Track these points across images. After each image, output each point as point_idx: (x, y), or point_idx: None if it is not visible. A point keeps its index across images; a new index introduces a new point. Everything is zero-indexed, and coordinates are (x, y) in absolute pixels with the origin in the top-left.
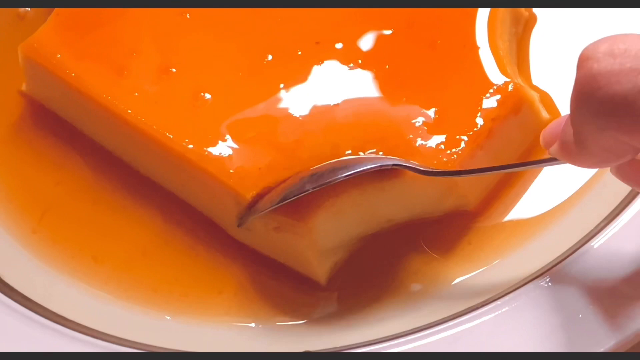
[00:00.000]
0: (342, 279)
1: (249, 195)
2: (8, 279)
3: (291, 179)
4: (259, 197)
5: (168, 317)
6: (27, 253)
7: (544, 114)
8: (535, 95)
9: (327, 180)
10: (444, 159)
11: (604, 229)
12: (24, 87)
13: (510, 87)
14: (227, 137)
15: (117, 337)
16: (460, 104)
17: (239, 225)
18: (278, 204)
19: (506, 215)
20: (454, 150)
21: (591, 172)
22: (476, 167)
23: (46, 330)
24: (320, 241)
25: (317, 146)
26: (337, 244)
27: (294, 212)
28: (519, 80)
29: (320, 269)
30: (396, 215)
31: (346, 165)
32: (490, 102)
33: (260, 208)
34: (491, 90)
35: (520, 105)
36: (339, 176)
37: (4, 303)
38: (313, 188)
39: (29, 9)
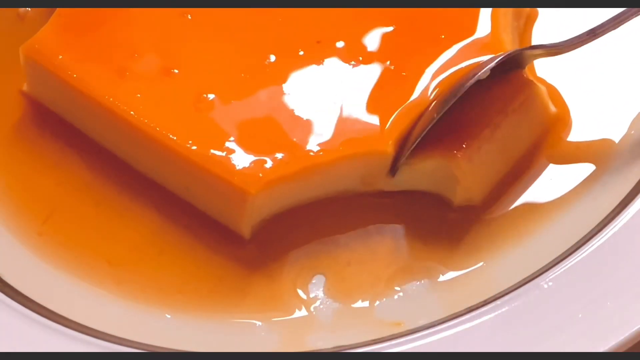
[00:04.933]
0: (344, 285)
1: (255, 193)
2: (8, 279)
3: (420, 118)
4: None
5: (168, 316)
6: (33, 255)
7: (551, 108)
8: (543, 89)
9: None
10: (450, 152)
11: (604, 229)
12: (25, 88)
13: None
14: (231, 137)
15: (117, 337)
16: None
17: (392, 173)
18: (416, 142)
19: (506, 216)
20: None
21: (591, 171)
22: (483, 162)
23: (47, 330)
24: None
25: (321, 143)
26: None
27: None
28: (526, 74)
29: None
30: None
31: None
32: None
33: (404, 152)
34: None
35: (527, 98)
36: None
37: (4, 303)
38: (438, 115)
39: (29, 9)
